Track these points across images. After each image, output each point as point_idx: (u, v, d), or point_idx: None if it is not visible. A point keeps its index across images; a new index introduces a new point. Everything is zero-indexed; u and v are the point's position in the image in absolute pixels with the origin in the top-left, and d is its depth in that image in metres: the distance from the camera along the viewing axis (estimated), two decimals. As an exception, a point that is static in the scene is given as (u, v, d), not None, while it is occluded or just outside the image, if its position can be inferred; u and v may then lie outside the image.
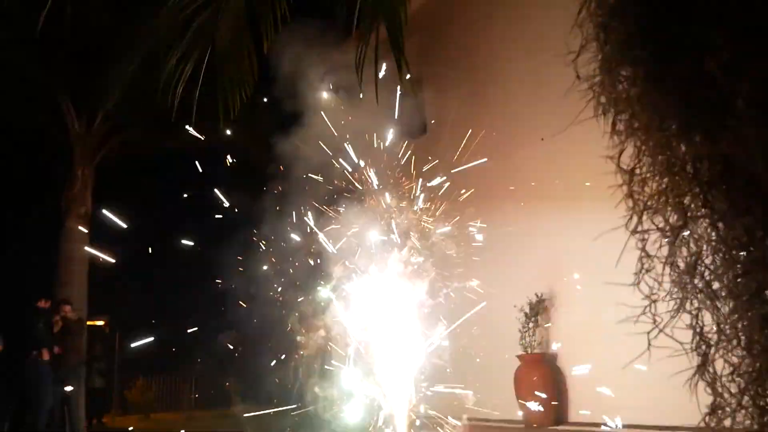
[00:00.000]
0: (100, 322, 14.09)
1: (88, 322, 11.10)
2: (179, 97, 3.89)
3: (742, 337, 1.18)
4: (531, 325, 7.63)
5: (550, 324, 7.84)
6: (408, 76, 4.22)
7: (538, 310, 7.63)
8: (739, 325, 1.19)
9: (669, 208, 1.28)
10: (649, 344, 1.22)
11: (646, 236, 1.29)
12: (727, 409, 1.18)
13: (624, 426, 6.50)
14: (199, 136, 8.70)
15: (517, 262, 8.41)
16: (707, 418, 1.22)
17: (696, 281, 1.24)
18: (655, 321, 1.26)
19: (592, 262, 6.91)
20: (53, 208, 10.92)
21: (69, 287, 10.25)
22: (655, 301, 1.28)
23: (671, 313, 1.24)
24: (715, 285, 1.23)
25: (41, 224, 12.05)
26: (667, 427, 5.93)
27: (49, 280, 10.39)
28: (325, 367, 11.21)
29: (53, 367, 8.81)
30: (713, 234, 1.24)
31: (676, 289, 1.25)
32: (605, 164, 1.35)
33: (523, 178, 8.45)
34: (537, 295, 7.71)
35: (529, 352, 7.56)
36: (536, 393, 7.42)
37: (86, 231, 10.69)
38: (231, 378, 17.18)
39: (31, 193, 13.10)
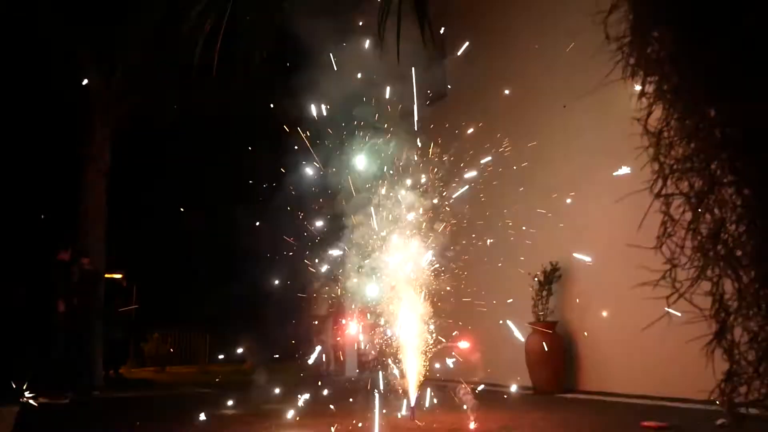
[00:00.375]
0: (118, 276, 14.29)
1: (106, 275, 11.26)
2: (200, 49, 3.86)
3: (763, 306, 1.17)
4: (544, 293, 7.65)
5: (563, 293, 7.86)
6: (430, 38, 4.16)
7: (552, 279, 7.64)
8: (761, 293, 1.18)
9: (695, 173, 1.26)
10: (669, 309, 1.21)
11: (670, 200, 1.27)
12: (744, 376, 1.18)
13: (634, 396, 6.55)
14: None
15: (532, 230, 8.39)
16: (722, 385, 1.22)
17: (719, 248, 1.23)
18: (674, 286, 1.25)
19: (610, 230, 6.90)
20: (73, 162, 11.00)
21: (87, 240, 10.38)
22: (675, 266, 1.27)
23: (691, 280, 1.23)
24: (738, 253, 1.21)
25: (61, 178, 12.15)
26: (677, 399, 5.96)
27: (69, 233, 10.52)
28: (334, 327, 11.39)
29: (70, 318, 8.98)
30: (738, 201, 1.22)
31: (698, 255, 1.24)
32: (631, 126, 1.33)
33: (543, 143, 8.39)
34: (552, 264, 7.71)
35: (542, 320, 7.59)
36: (547, 361, 7.48)
37: (105, 184, 10.79)
38: (245, 334, 17.46)
39: (51, 147, 13.20)
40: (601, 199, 7.24)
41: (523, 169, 8.66)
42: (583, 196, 7.67)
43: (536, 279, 7.72)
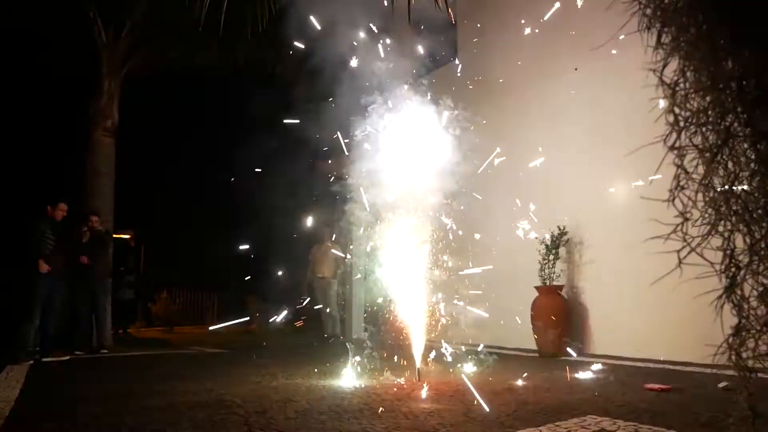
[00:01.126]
0: (126, 236, 14.38)
1: (115, 236, 11.31)
2: (206, 7, 3.81)
3: (775, 260, 1.16)
4: (551, 257, 7.66)
5: (571, 257, 7.87)
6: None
7: (559, 243, 7.65)
8: (773, 248, 1.17)
9: (709, 127, 1.23)
10: (680, 262, 1.20)
11: (684, 153, 1.25)
12: (753, 331, 1.17)
13: (639, 359, 6.60)
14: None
15: (543, 193, 8.37)
16: (731, 340, 1.22)
17: (731, 202, 1.21)
18: (685, 240, 1.24)
19: (621, 191, 6.87)
20: (80, 120, 10.98)
21: (96, 199, 10.42)
22: (687, 219, 1.26)
23: (703, 236, 1.22)
24: (750, 207, 1.19)
25: (69, 136, 12.13)
26: (680, 362, 6.00)
27: (77, 191, 10.54)
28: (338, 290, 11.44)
29: (80, 278, 9.05)
30: (753, 155, 1.20)
31: (710, 210, 1.22)
32: (646, 78, 1.30)
33: (554, 107, 8.31)
34: (559, 228, 7.71)
35: (548, 284, 7.62)
36: (552, 324, 7.52)
37: (113, 143, 10.78)
38: (251, 295, 17.63)
39: (58, 105, 13.17)
40: (612, 161, 7.19)
41: (535, 132, 8.61)
42: (595, 159, 7.63)
43: (543, 243, 7.73)
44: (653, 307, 6.59)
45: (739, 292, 1.23)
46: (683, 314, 5.69)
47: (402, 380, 5.44)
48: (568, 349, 6.96)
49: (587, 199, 7.67)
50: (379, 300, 6.07)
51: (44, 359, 7.97)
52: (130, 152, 12.82)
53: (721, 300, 1.22)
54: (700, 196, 1.25)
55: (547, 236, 7.73)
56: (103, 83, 10.66)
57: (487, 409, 3.99)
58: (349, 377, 5.66)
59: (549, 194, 8.23)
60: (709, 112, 1.24)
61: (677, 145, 1.26)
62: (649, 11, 1.33)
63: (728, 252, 1.23)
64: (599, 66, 7.45)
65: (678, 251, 1.23)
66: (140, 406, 4.43)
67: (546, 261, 7.67)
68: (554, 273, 7.63)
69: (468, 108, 9.30)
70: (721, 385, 4.51)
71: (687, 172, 1.26)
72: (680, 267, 1.21)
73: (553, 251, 7.66)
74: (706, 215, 1.23)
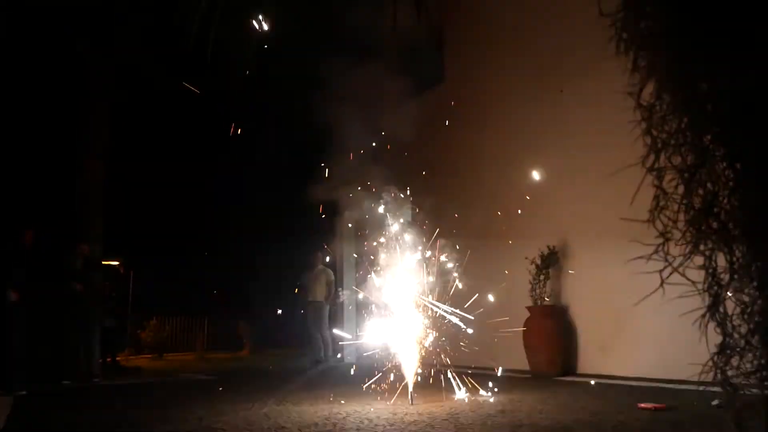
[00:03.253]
0: (115, 263, 14.26)
1: (104, 262, 11.23)
2: (196, 29, 3.83)
3: (755, 278, 1.17)
4: (542, 277, 7.67)
5: (561, 276, 7.88)
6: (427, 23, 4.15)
7: (549, 263, 7.66)
8: (753, 266, 1.18)
9: (687, 147, 1.25)
10: (662, 282, 1.21)
11: (663, 174, 1.27)
12: (737, 348, 1.18)
13: (633, 378, 6.59)
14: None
15: (531, 215, 8.42)
16: (715, 358, 1.22)
17: (711, 221, 1.23)
18: (667, 259, 1.25)
19: (605, 211, 6.91)
20: (70, 147, 10.95)
21: (85, 226, 10.36)
22: (669, 240, 1.27)
23: (685, 255, 1.23)
24: (730, 226, 1.21)
25: (59, 163, 12.08)
26: (674, 381, 5.99)
27: (66, 218, 10.49)
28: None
29: (70, 305, 8.95)
30: (731, 174, 1.21)
31: (691, 229, 1.23)
32: (624, 101, 1.32)
33: (538, 128, 8.38)
34: (549, 247, 7.73)
35: (539, 303, 7.62)
36: (544, 344, 7.52)
37: (102, 168, 10.75)
38: (241, 322, 17.53)
39: (49, 132, 13.13)
40: (597, 181, 7.25)
41: (519, 154, 8.69)
42: (580, 180, 7.69)
43: (533, 263, 7.75)
44: (644, 325, 6.60)
45: (721, 310, 1.24)
46: (673, 332, 5.70)
47: (395, 404, 5.41)
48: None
49: (576, 218, 7.72)
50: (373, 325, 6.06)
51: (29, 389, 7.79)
52: (120, 177, 12.79)
53: (705, 318, 1.23)
54: (681, 216, 1.27)
55: (538, 256, 7.76)
56: (93, 108, 10.65)
57: (480, 432, 3.97)
58: (341, 402, 5.62)
59: (538, 214, 8.28)
60: (687, 133, 1.26)
61: (656, 166, 1.28)
62: (625, 35, 1.35)
63: (710, 271, 1.24)
64: (581, 86, 7.55)
65: (660, 271, 1.24)
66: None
67: (537, 281, 7.68)
68: (545, 293, 7.64)
69: (455, 129, 9.38)
70: (714, 402, 4.50)
71: (666, 193, 1.27)
72: (662, 287, 1.22)
73: (544, 271, 7.67)
74: (688, 235, 1.25)
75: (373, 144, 7.53)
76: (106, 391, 8.22)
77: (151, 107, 12.65)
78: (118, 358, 12.08)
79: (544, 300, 7.64)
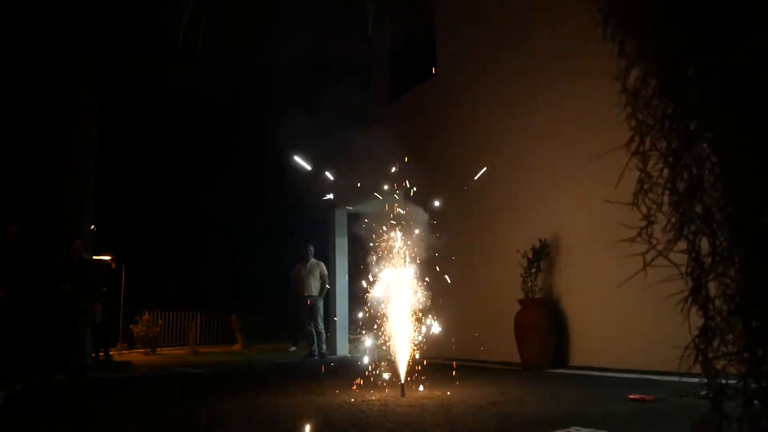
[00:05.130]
0: (107, 258, 14.22)
1: (95, 257, 11.18)
2: (185, 24, 3.82)
3: (737, 261, 1.18)
4: (533, 270, 7.70)
5: (552, 269, 7.91)
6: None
7: (540, 256, 7.69)
8: (735, 249, 1.19)
9: (672, 132, 1.26)
10: (645, 265, 1.22)
11: (647, 157, 1.28)
12: (718, 331, 1.19)
13: (623, 371, 6.63)
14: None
15: (521, 208, 8.44)
16: (697, 340, 1.24)
17: (695, 206, 1.24)
18: (650, 242, 1.26)
19: (594, 205, 6.94)
20: (58, 141, 10.88)
21: (75, 223, 10.30)
22: (652, 222, 1.28)
23: (668, 239, 1.24)
24: (714, 209, 1.22)
25: (46, 158, 12.02)
26: (662, 372, 6.03)
27: (55, 215, 10.43)
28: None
29: (63, 301, 8.91)
30: (715, 158, 1.22)
31: (675, 214, 1.24)
32: (610, 86, 1.33)
33: (529, 121, 8.40)
34: (540, 240, 7.75)
35: (530, 296, 7.64)
36: (535, 337, 7.55)
37: (91, 164, 10.68)
38: (234, 316, 17.53)
39: (37, 129, 13.06)
40: (586, 174, 7.28)
41: (510, 148, 8.71)
42: (570, 172, 7.71)
43: (525, 256, 7.76)
44: (634, 317, 6.64)
45: (704, 293, 1.25)
46: (661, 325, 5.73)
47: (386, 396, 5.42)
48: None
49: (566, 210, 7.75)
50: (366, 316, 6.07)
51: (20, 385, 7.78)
52: (112, 174, 12.74)
53: (688, 302, 1.25)
54: (666, 200, 1.28)
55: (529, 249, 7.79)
56: (82, 104, 10.57)
57: (472, 424, 3.99)
58: (333, 394, 5.63)
59: (529, 207, 8.31)
60: (673, 118, 1.27)
61: (641, 150, 1.29)
62: (612, 20, 1.36)
63: (693, 255, 1.25)
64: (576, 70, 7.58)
65: (644, 254, 1.25)
66: (121, 428, 4.37)
67: (528, 274, 7.70)
68: (536, 286, 7.67)
69: (447, 122, 9.38)
70: (703, 393, 4.54)
71: (650, 176, 1.28)
72: (645, 270, 1.23)
73: (535, 264, 7.69)
74: (672, 218, 1.26)
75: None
76: (99, 386, 8.20)
77: (142, 100, 12.58)
78: (111, 353, 12.05)
79: (535, 293, 7.66)
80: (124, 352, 15.59)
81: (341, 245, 12.71)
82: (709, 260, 1.23)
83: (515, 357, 7.78)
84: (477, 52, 9.73)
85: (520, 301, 7.75)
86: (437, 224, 6.66)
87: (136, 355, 14.46)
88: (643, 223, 1.27)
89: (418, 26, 10.91)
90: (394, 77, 12.27)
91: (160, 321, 17.17)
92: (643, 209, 1.27)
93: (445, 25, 10.70)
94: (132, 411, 5.20)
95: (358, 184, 8.69)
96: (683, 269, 1.26)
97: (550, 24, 8.13)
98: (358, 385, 5.94)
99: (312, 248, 11.68)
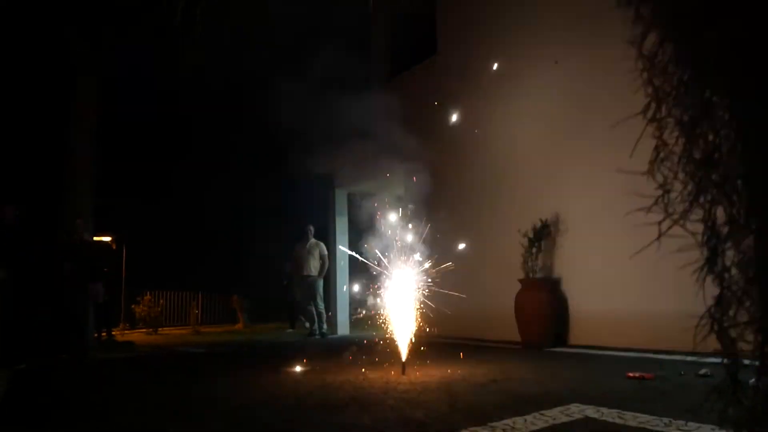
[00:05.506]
0: (107, 239, 14.22)
1: (95, 238, 11.18)
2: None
3: (754, 228, 1.16)
4: (534, 250, 7.69)
5: (553, 249, 7.90)
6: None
7: (541, 235, 7.68)
8: (752, 217, 1.17)
9: (689, 99, 1.24)
10: (660, 234, 1.20)
11: (663, 125, 1.25)
12: (734, 299, 1.18)
13: (622, 349, 6.65)
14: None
15: (523, 188, 8.41)
16: (712, 309, 1.22)
17: (711, 174, 1.22)
18: (667, 211, 1.24)
19: (600, 181, 6.91)
20: (58, 122, 10.82)
21: (75, 204, 10.28)
22: (668, 191, 1.26)
23: (685, 208, 1.22)
24: (731, 177, 1.20)
25: (46, 139, 11.96)
26: (662, 351, 6.06)
27: (55, 196, 10.40)
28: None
29: (64, 282, 8.92)
30: (733, 126, 1.20)
31: (691, 181, 1.22)
32: (626, 52, 1.30)
33: (534, 99, 8.34)
34: (541, 220, 7.74)
35: (531, 276, 7.65)
36: (536, 316, 7.56)
37: (91, 144, 10.64)
38: (236, 296, 17.59)
39: (36, 108, 12.97)
40: (589, 155, 7.25)
41: (515, 124, 8.66)
42: (572, 153, 7.68)
43: (526, 236, 7.76)
44: (633, 297, 6.65)
45: (719, 263, 1.23)
46: (663, 303, 5.75)
47: (388, 374, 5.44)
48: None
49: (568, 190, 7.73)
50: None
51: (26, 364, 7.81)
52: (114, 154, 12.68)
53: (704, 272, 1.23)
54: (681, 168, 1.26)
55: (530, 229, 7.78)
56: (82, 83, 10.50)
57: (473, 401, 4.00)
58: (335, 372, 5.65)
59: (531, 187, 8.29)
60: (689, 84, 1.25)
61: (657, 117, 1.26)
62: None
63: (709, 224, 1.23)
64: (579, 56, 7.51)
65: (659, 223, 1.23)
66: (126, 407, 4.38)
67: (529, 254, 7.70)
68: (537, 265, 7.67)
69: (449, 100, 9.31)
70: (702, 371, 4.57)
71: (666, 144, 1.26)
72: (659, 240, 1.21)
73: (536, 244, 7.69)
74: (688, 186, 1.24)
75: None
76: (102, 365, 8.22)
77: (144, 83, 12.50)
78: (113, 333, 12.09)
79: (536, 273, 7.67)
80: (126, 332, 15.64)
81: (341, 225, 12.71)
82: (725, 229, 1.21)
83: (515, 336, 7.81)
84: (480, 29, 9.64)
85: (521, 281, 7.76)
86: (439, 204, 6.64)
87: (138, 335, 14.50)
88: (658, 193, 1.25)
89: (419, 2, 10.82)
90: (395, 54, 12.18)
91: (161, 301, 17.21)
92: (659, 178, 1.25)
93: (448, 4, 10.60)
94: (136, 390, 5.21)
95: (358, 163, 8.66)
96: (699, 239, 1.24)
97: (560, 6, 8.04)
98: (359, 363, 5.95)
99: (311, 228, 11.66)
